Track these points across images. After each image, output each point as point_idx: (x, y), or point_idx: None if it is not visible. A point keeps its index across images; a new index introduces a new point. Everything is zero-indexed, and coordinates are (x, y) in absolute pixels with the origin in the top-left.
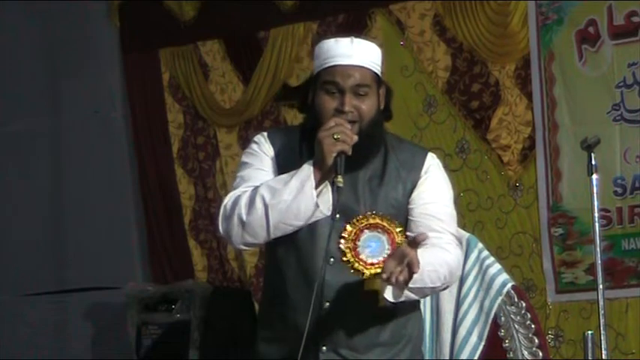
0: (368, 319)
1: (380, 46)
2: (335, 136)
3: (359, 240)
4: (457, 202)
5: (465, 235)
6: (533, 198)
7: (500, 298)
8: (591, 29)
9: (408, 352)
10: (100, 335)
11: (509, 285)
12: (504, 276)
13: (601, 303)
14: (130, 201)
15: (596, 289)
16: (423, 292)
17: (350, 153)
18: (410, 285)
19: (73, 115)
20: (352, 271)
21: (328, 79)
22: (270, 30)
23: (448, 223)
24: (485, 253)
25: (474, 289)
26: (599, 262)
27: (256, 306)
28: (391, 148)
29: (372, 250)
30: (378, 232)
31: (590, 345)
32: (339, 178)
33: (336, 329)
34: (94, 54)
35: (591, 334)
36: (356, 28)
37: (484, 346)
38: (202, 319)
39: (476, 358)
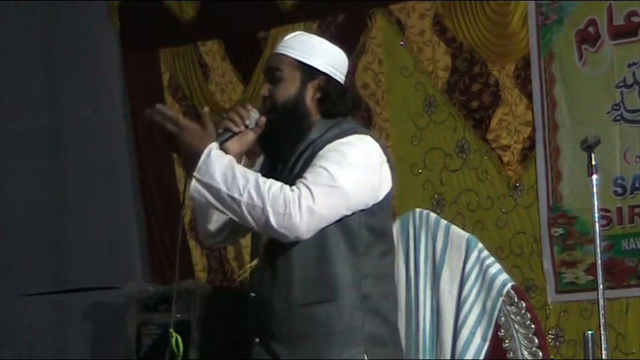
0: (285, 305)
1: (379, 45)
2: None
3: None
4: (456, 202)
5: (465, 235)
6: (533, 198)
7: (501, 299)
8: (591, 29)
9: (336, 347)
10: (100, 335)
11: (508, 285)
12: (504, 276)
13: (601, 303)
14: (130, 201)
15: (596, 289)
16: (214, 191)
17: (235, 130)
18: (197, 174)
19: (73, 115)
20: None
21: None
22: (270, 30)
23: (309, 179)
24: (486, 253)
25: (475, 290)
26: (600, 262)
27: None
28: (333, 132)
29: None
30: None
31: (590, 345)
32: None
33: (260, 319)
34: (94, 54)
35: (591, 334)
36: (356, 28)
37: (488, 346)
38: (202, 319)
39: (481, 358)
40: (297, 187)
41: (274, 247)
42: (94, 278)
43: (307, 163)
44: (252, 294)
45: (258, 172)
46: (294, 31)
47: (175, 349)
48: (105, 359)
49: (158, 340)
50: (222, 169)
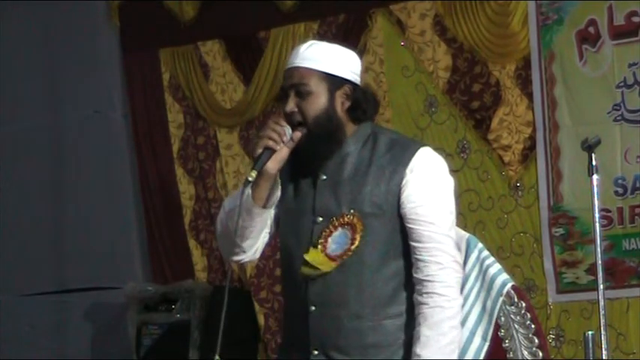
0: (356, 320)
1: (380, 45)
2: (260, 134)
3: (330, 237)
4: (458, 202)
5: (465, 235)
6: (534, 198)
7: (501, 299)
8: (591, 29)
9: (402, 352)
10: (100, 335)
11: (509, 285)
12: (504, 276)
13: (602, 303)
14: (130, 201)
15: (596, 289)
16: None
17: (277, 149)
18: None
19: (73, 115)
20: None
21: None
22: (270, 30)
23: (440, 224)
24: (486, 253)
25: (475, 290)
26: (600, 262)
27: (256, 306)
28: (383, 144)
29: (336, 247)
30: (346, 228)
31: (590, 345)
32: (252, 173)
33: (324, 332)
34: (94, 54)
35: (592, 334)
36: (356, 28)
37: (489, 346)
38: (202, 319)
39: (481, 358)
40: (442, 287)
41: (341, 267)
42: (94, 278)
43: (384, 184)
44: (312, 307)
45: (281, 182)
46: (294, 31)
47: None
48: (105, 359)
49: (158, 340)
50: (444, 346)
